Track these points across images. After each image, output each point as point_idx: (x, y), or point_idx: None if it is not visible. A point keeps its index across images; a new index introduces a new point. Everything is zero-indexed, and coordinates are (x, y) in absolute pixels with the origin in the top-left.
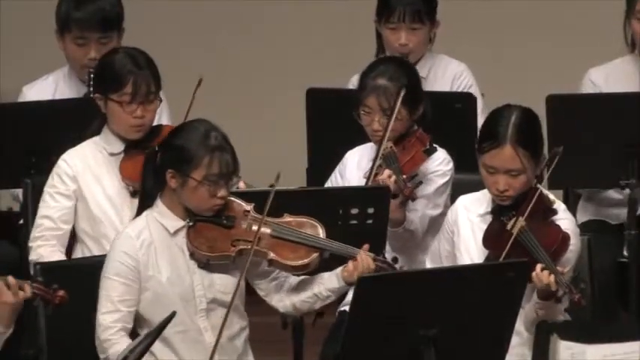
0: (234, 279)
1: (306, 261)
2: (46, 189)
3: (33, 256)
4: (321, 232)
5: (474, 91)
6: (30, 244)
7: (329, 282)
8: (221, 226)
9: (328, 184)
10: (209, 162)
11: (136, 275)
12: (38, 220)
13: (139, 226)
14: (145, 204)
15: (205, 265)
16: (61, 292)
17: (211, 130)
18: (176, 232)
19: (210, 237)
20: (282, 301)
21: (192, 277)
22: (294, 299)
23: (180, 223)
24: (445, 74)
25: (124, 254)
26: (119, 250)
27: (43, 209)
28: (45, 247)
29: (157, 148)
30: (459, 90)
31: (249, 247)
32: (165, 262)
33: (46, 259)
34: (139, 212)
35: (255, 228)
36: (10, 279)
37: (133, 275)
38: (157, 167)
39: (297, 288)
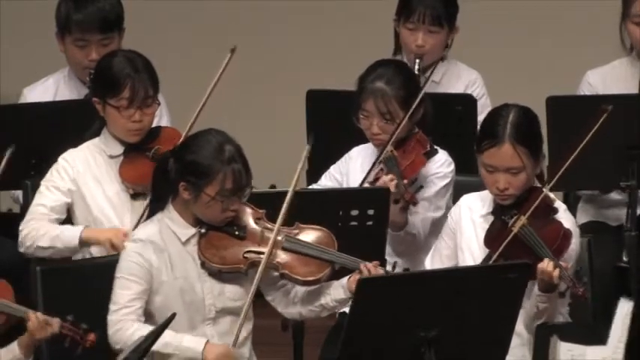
0: (244, 287)
1: (317, 277)
2: (43, 182)
3: (25, 232)
4: (333, 243)
5: (485, 100)
6: (21, 227)
7: (336, 293)
8: (233, 236)
9: (324, 179)
10: (223, 178)
11: (148, 276)
12: (32, 208)
13: (150, 230)
14: (155, 208)
15: (216, 275)
16: (91, 336)
17: (225, 143)
18: (187, 240)
19: (222, 247)
20: (288, 309)
21: (202, 285)
22: (300, 308)
23: (192, 230)
24: (458, 81)
25: (136, 255)
26: (132, 251)
27: (38, 199)
28: (37, 224)
29: (169, 154)
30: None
31: (261, 259)
32: (177, 269)
33: (38, 231)
34: (149, 216)
35: (267, 235)
36: (38, 314)
37: (145, 275)
38: (169, 175)
39: (305, 297)
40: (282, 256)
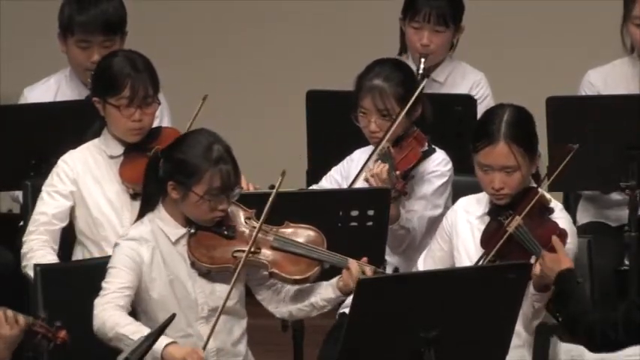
0: (235, 287)
1: (306, 275)
2: (45, 188)
3: (24, 249)
4: (323, 242)
5: (489, 101)
6: (24, 239)
7: (325, 292)
8: (222, 236)
9: (324, 181)
10: (210, 177)
11: (139, 271)
12: (34, 216)
13: (142, 230)
14: (145, 209)
15: (206, 274)
16: (62, 333)
17: (214, 143)
18: (177, 240)
19: (211, 247)
20: (279, 308)
21: (193, 284)
22: (290, 307)
23: (182, 230)
24: (463, 82)
25: (130, 249)
26: (125, 246)
27: (40, 206)
28: (37, 240)
29: (159, 154)
30: (475, 99)
31: (250, 257)
32: (169, 268)
33: (35, 252)
34: (140, 216)
35: (258, 235)
36: (8, 311)
37: (136, 269)
38: (159, 175)
39: (294, 296)
40: (270, 255)
